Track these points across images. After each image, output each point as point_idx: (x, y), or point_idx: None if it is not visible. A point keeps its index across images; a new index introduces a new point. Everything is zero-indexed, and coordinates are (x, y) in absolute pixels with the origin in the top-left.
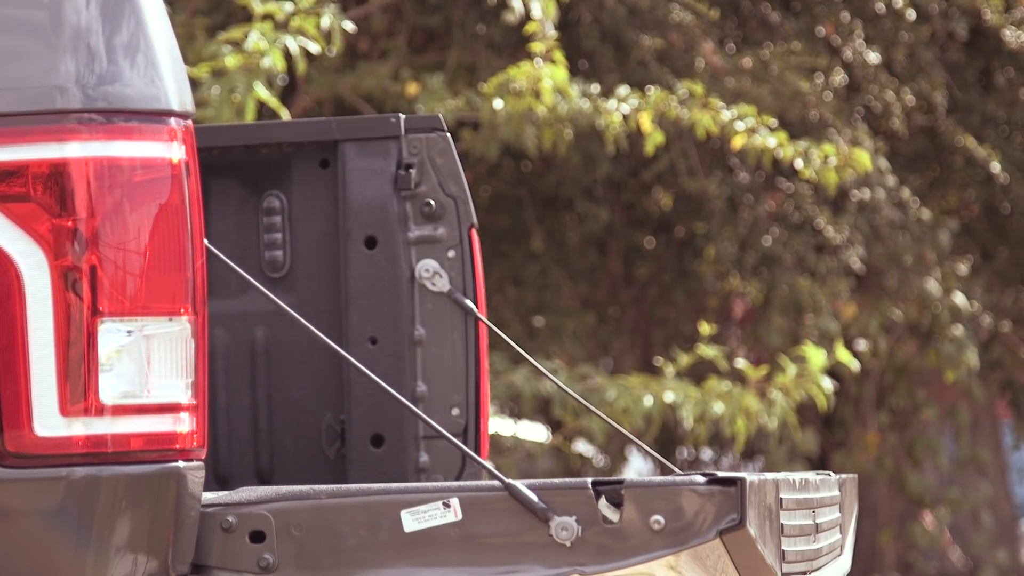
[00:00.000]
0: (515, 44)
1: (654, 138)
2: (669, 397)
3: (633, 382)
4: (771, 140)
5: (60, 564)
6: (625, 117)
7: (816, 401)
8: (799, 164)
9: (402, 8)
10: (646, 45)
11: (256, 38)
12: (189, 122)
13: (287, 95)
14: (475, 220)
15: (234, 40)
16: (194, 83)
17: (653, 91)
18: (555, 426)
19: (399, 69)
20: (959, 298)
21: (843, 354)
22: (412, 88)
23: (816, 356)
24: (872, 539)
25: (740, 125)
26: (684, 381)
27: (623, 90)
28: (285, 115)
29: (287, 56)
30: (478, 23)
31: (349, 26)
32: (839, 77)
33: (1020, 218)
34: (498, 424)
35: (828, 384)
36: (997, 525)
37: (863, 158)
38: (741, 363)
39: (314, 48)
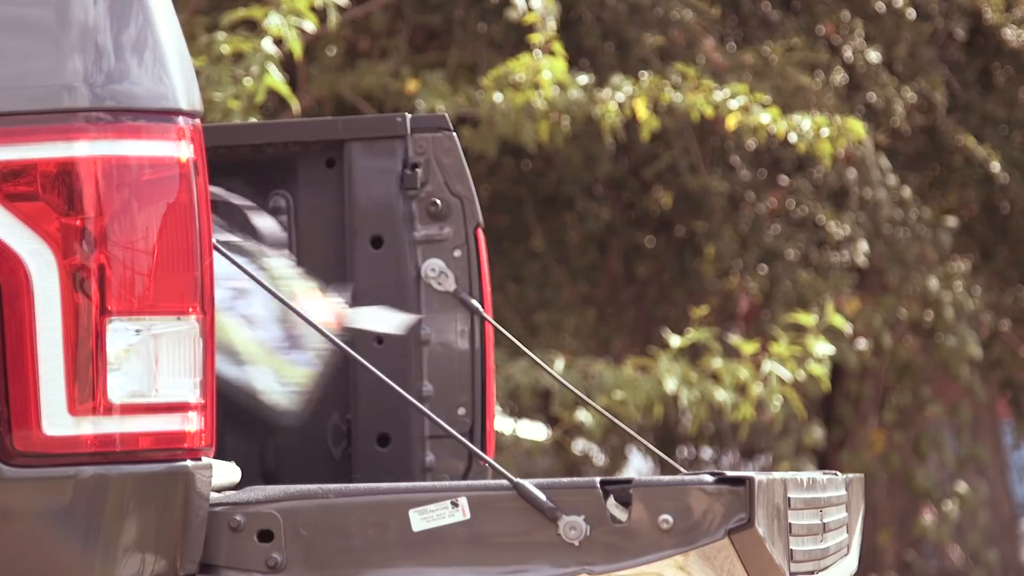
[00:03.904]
0: (516, 42)
1: (649, 124)
2: (669, 387)
3: (629, 371)
4: (764, 116)
5: (68, 563)
6: (620, 106)
7: (813, 375)
8: (793, 138)
9: (403, 7)
10: (648, 43)
11: (278, 22)
12: (197, 121)
13: None
14: (481, 219)
15: (249, 19)
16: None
17: (646, 77)
18: (553, 422)
19: (399, 68)
20: (961, 293)
21: (836, 319)
22: (412, 85)
23: (808, 320)
24: (872, 539)
25: (733, 104)
26: (681, 361)
27: (617, 79)
28: (295, 103)
29: (288, 59)
30: (479, 22)
31: (343, 0)
32: (840, 76)
33: (1019, 217)
34: (498, 422)
35: (826, 349)
36: (997, 524)
37: (856, 127)
38: (734, 339)
39: (309, 27)
